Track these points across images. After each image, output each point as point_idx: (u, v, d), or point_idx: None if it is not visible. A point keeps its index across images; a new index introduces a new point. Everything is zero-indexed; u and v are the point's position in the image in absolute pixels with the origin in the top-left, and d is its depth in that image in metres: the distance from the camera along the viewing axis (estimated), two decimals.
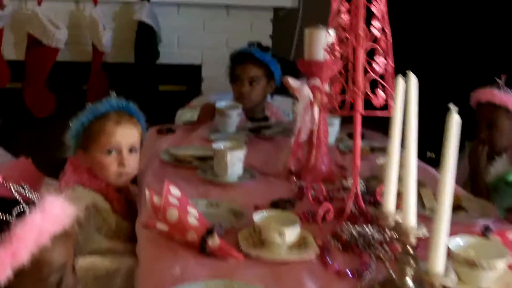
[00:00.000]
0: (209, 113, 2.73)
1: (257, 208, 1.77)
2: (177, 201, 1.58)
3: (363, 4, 1.56)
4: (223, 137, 2.45)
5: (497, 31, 3.37)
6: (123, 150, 1.92)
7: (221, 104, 2.65)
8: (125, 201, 2.00)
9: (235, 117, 2.62)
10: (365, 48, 1.55)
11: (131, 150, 1.94)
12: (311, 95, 1.93)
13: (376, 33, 1.53)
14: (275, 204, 1.83)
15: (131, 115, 1.96)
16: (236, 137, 2.48)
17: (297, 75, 2.93)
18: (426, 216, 1.70)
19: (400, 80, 1.33)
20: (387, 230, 1.47)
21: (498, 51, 3.28)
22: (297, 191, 1.94)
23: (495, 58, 3.20)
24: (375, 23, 1.52)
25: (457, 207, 1.85)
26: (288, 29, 3.94)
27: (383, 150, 2.45)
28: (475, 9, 3.43)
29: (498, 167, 2.42)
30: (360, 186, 1.97)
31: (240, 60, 2.90)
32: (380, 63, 1.54)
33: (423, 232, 1.30)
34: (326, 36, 1.74)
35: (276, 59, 2.93)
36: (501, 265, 1.36)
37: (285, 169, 2.10)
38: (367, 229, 1.61)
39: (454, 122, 1.14)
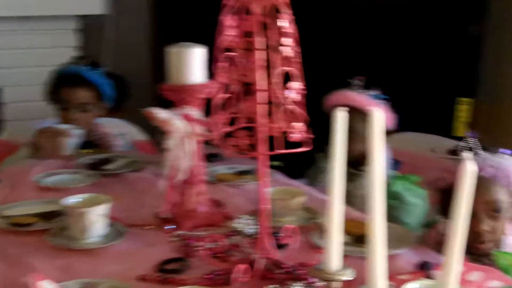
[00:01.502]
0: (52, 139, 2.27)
1: (144, 279, 1.42)
2: None
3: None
4: (59, 181, 2.02)
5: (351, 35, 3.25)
6: None
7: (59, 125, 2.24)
8: None
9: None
10: (281, 72, 1.25)
11: None
12: (185, 128, 1.58)
13: (288, 52, 1.23)
14: (165, 270, 1.47)
15: None
16: (79, 179, 2.06)
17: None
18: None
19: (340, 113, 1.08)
20: None
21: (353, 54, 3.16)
22: (185, 246, 1.59)
23: (349, 61, 3.08)
24: (286, 40, 1.22)
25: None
26: (96, 38, 3.49)
27: (252, 173, 2.19)
28: (329, 11, 3.28)
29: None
30: (250, 226, 1.69)
31: (67, 82, 2.44)
32: (295, 89, 1.25)
33: None
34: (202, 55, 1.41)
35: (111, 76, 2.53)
36: None
37: (156, 217, 1.73)
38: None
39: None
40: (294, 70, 1.25)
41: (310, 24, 3.11)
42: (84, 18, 3.40)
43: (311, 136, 1.31)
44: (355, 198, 2.21)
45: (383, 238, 1.05)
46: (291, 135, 1.26)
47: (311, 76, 2.80)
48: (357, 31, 3.11)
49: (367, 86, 2.30)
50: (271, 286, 1.32)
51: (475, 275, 1.34)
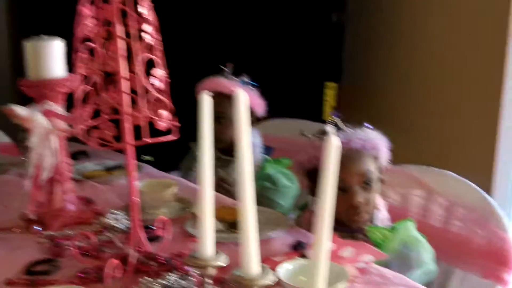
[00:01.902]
0: None
1: (11, 283, 1.35)
2: None
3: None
4: None
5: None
6: None
7: None
8: None
9: None
10: (143, 60, 1.22)
11: None
12: (48, 124, 1.52)
13: (149, 40, 1.21)
14: (32, 272, 1.40)
15: None
16: None
17: None
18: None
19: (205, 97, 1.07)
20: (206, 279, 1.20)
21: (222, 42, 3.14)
22: (53, 246, 1.53)
23: (219, 49, 3.06)
24: (148, 28, 1.19)
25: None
26: None
27: (122, 168, 2.14)
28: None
29: None
30: (124, 222, 1.65)
31: None
32: (159, 77, 1.23)
33: (271, 279, 1.07)
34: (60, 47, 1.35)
35: None
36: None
37: (23, 219, 1.65)
38: (171, 278, 1.31)
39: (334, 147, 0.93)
40: (156, 57, 1.23)
41: (178, 12, 3.10)
42: None
43: (177, 124, 1.29)
44: (229, 185, 2.23)
45: (254, 222, 1.05)
46: (157, 123, 1.23)
47: (182, 64, 2.79)
48: (226, 18, 3.11)
49: (236, 73, 2.31)
50: (145, 279, 1.29)
51: (348, 251, 1.38)
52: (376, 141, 1.68)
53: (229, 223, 1.64)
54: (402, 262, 1.51)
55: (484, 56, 2.63)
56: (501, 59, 2.52)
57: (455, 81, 2.80)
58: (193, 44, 3.12)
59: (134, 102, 1.24)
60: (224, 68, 2.28)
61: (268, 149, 2.39)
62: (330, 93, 3.02)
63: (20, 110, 1.50)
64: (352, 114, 3.20)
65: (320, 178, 1.03)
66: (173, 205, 1.75)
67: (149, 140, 1.30)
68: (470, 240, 1.72)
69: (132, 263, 1.36)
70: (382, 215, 1.68)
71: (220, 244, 1.52)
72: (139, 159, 3.20)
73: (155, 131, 1.31)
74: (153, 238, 1.47)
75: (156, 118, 1.23)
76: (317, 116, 3.06)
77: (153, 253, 1.41)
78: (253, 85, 2.29)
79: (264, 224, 1.66)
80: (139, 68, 1.21)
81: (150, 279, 1.30)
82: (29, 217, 1.65)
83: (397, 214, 1.85)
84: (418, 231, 1.83)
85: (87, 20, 1.26)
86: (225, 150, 2.31)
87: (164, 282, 1.29)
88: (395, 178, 1.94)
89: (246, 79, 2.27)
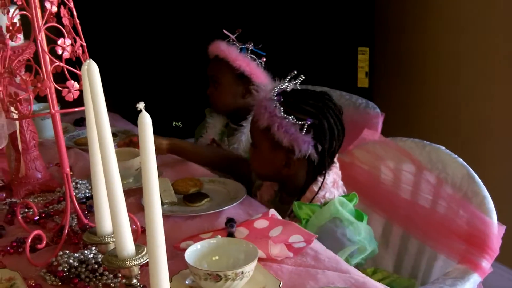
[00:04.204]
0: None
1: None
2: None
3: None
4: None
5: None
6: None
7: None
8: None
9: None
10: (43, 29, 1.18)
11: None
12: None
13: (54, 8, 1.16)
14: None
15: None
16: None
17: None
18: (166, 215, 1.43)
19: (85, 69, 1.01)
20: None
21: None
22: (7, 213, 1.54)
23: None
24: None
25: (198, 195, 1.60)
26: None
27: (116, 136, 2.13)
28: None
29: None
30: (83, 190, 1.65)
31: None
32: (66, 47, 1.18)
33: (145, 258, 1.01)
34: None
35: None
36: (249, 268, 1.12)
37: None
38: (89, 252, 1.28)
39: (146, 124, 0.85)
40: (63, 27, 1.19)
41: None
42: None
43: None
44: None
45: (122, 205, 0.98)
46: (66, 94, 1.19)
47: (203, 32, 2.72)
48: None
49: (242, 39, 2.22)
50: (64, 252, 1.28)
51: (277, 230, 1.30)
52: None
53: (183, 195, 1.59)
54: (331, 239, 1.41)
55: None
56: None
57: (488, 53, 2.59)
58: (214, 10, 3.06)
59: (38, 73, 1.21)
60: (227, 32, 2.19)
61: None
62: (363, 58, 2.87)
63: None
64: (386, 79, 3.07)
65: None
66: (139, 174, 1.72)
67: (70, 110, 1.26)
68: (452, 221, 1.58)
69: (64, 236, 1.34)
70: (328, 193, 1.56)
71: (168, 217, 1.50)
72: (170, 125, 3.23)
73: None
74: None
75: (60, 88, 1.19)
76: (351, 83, 2.93)
77: (90, 224, 1.38)
78: (258, 54, 2.19)
79: (223, 196, 1.61)
80: (40, 39, 1.17)
81: (68, 252, 1.28)
82: None
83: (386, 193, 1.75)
84: (407, 211, 1.73)
85: None
86: (234, 118, 2.25)
87: (79, 256, 1.27)
88: (387, 151, 1.82)
89: (250, 47, 2.17)
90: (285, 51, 2.88)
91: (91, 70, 0.98)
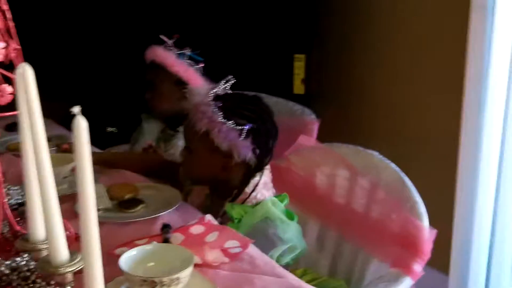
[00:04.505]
0: None
1: None
2: None
3: None
4: None
5: None
6: None
7: None
8: None
9: None
10: None
11: None
12: None
13: None
14: None
15: None
16: None
17: None
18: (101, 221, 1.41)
19: (19, 72, 0.99)
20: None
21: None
22: None
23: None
24: None
25: (133, 201, 1.58)
26: None
27: (50, 141, 2.09)
28: None
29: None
30: (15, 197, 1.61)
31: None
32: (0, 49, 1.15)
33: (79, 265, 0.99)
34: None
35: None
36: (185, 274, 1.12)
37: None
38: (21, 259, 1.25)
39: (81, 128, 0.84)
40: None
41: None
42: None
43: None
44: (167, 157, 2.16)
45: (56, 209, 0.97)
46: None
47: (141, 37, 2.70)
48: None
49: (180, 45, 2.21)
50: None
51: (213, 236, 1.30)
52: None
53: (118, 201, 1.58)
54: (263, 238, 1.43)
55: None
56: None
57: (423, 58, 2.67)
58: (151, 16, 3.05)
59: None
60: (165, 38, 2.18)
61: None
62: (299, 65, 2.91)
63: None
64: (322, 86, 3.12)
65: None
66: (73, 180, 1.69)
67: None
68: (385, 226, 1.62)
69: None
70: (259, 195, 1.58)
71: (103, 224, 1.47)
72: (104, 130, 3.19)
73: None
74: None
75: None
76: (287, 90, 2.96)
77: (20, 231, 1.35)
78: (195, 60, 2.19)
79: (158, 202, 1.60)
80: None
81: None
82: None
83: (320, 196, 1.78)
84: (342, 215, 1.76)
85: None
86: (171, 123, 2.24)
87: (12, 263, 1.24)
88: (323, 156, 1.85)
89: (187, 52, 2.17)
90: (221, 56, 2.88)
91: (26, 74, 0.97)
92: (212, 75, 2.07)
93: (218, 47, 2.91)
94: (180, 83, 2.12)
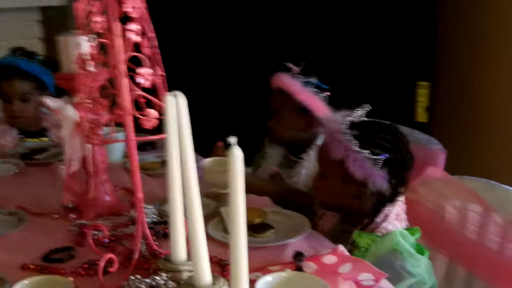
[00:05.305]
0: None
1: (25, 268, 1.41)
2: None
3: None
4: None
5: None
6: None
7: None
8: None
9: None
10: (125, 57, 1.22)
11: None
12: (76, 116, 1.56)
13: (135, 37, 1.20)
14: (48, 258, 1.46)
15: None
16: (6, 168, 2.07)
17: None
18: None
19: (170, 99, 1.04)
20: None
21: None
22: (77, 235, 1.58)
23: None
24: (132, 26, 1.19)
25: (263, 226, 1.60)
26: (60, 29, 3.49)
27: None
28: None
29: (309, 164, 2.18)
30: (150, 216, 1.67)
31: (5, 76, 2.45)
32: (146, 75, 1.22)
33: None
34: (80, 44, 1.38)
35: (49, 63, 2.51)
36: None
37: (60, 206, 1.72)
38: (160, 278, 1.30)
39: (237, 158, 0.87)
40: (143, 56, 1.22)
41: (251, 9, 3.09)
42: (48, 9, 3.40)
43: None
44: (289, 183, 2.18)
45: (202, 234, 1.00)
46: (143, 121, 1.23)
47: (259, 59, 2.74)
48: (317, 17, 3.05)
49: (306, 73, 2.23)
50: (135, 276, 1.29)
51: (346, 267, 1.29)
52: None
53: (248, 225, 1.59)
54: (389, 270, 1.39)
55: None
56: None
57: None
58: (279, 42, 3.09)
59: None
60: (292, 65, 2.21)
61: None
62: (422, 93, 2.86)
63: (50, 102, 1.56)
64: (447, 114, 3.04)
65: None
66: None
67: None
68: None
69: (134, 260, 1.37)
70: (391, 226, 1.55)
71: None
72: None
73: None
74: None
75: (140, 116, 1.22)
76: (409, 117, 2.92)
77: (157, 250, 1.40)
78: (321, 88, 2.20)
79: (286, 229, 1.61)
80: (121, 66, 1.21)
81: (139, 277, 1.30)
82: (68, 205, 1.72)
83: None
84: (473, 252, 1.70)
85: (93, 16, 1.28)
86: (294, 150, 2.26)
87: (151, 281, 1.28)
88: (452, 189, 1.81)
89: (313, 80, 2.19)
90: (343, 84, 2.89)
91: (179, 102, 1.01)
92: (334, 103, 2.08)
93: (340, 74, 2.91)
94: (305, 111, 2.14)
